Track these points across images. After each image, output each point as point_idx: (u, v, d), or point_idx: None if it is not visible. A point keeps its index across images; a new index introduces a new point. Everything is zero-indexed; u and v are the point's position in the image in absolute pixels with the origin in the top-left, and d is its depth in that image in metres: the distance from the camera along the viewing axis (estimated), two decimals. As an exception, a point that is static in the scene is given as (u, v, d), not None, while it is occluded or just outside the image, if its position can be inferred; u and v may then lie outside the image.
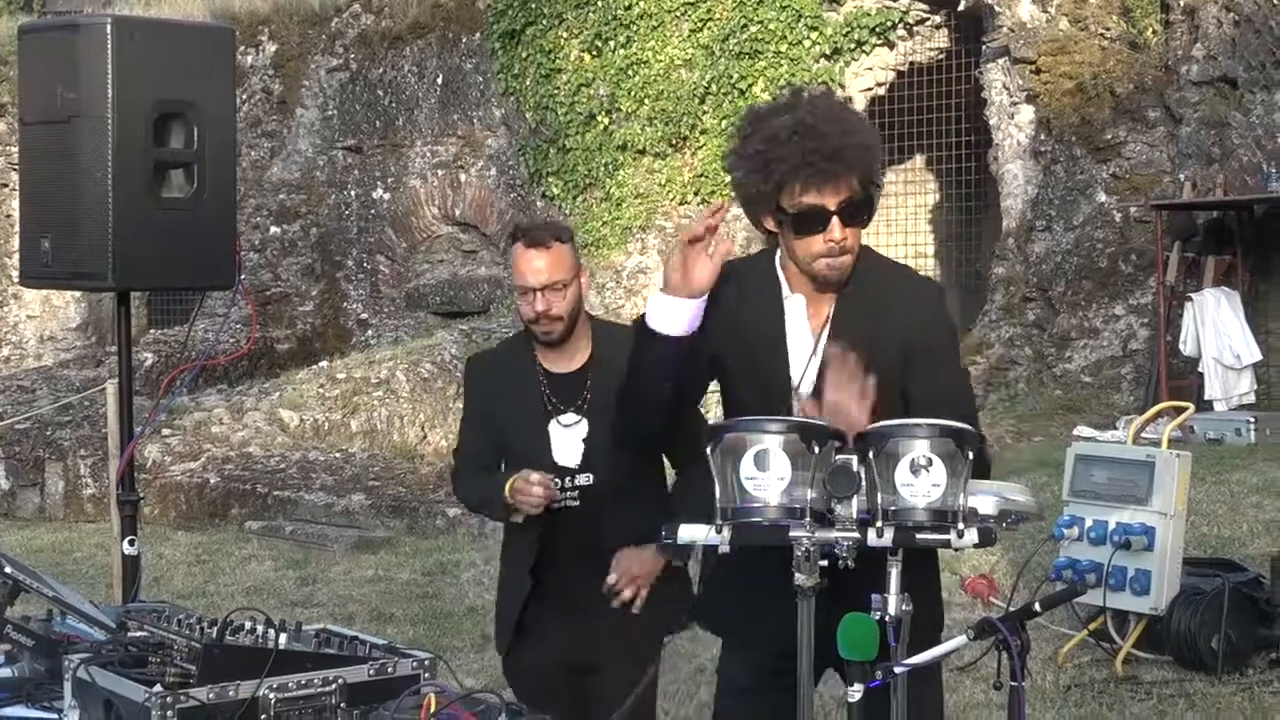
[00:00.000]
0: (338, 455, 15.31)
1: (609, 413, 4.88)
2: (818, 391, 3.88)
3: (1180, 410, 9.48)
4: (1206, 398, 14.91)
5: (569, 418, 5.29)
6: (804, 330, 3.99)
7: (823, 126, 3.82)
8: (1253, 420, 14.29)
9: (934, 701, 4.13)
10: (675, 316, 3.85)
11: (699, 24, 19.34)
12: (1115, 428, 14.12)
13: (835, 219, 3.86)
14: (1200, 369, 15.23)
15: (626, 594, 5.15)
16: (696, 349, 3.93)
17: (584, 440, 5.28)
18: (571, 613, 5.24)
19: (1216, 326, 15.15)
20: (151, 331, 20.89)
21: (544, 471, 5.15)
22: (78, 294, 23.42)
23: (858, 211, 3.87)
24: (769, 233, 4.00)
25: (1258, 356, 15.23)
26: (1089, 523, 8.48)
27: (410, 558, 12.08)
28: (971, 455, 3.46)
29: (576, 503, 5.25)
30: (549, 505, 5.11)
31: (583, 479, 5.26)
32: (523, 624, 5.32)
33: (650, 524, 4.90)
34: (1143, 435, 9.30)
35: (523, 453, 5.28)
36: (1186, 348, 15.33)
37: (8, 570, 4.40)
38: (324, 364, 18.12)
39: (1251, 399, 15.29)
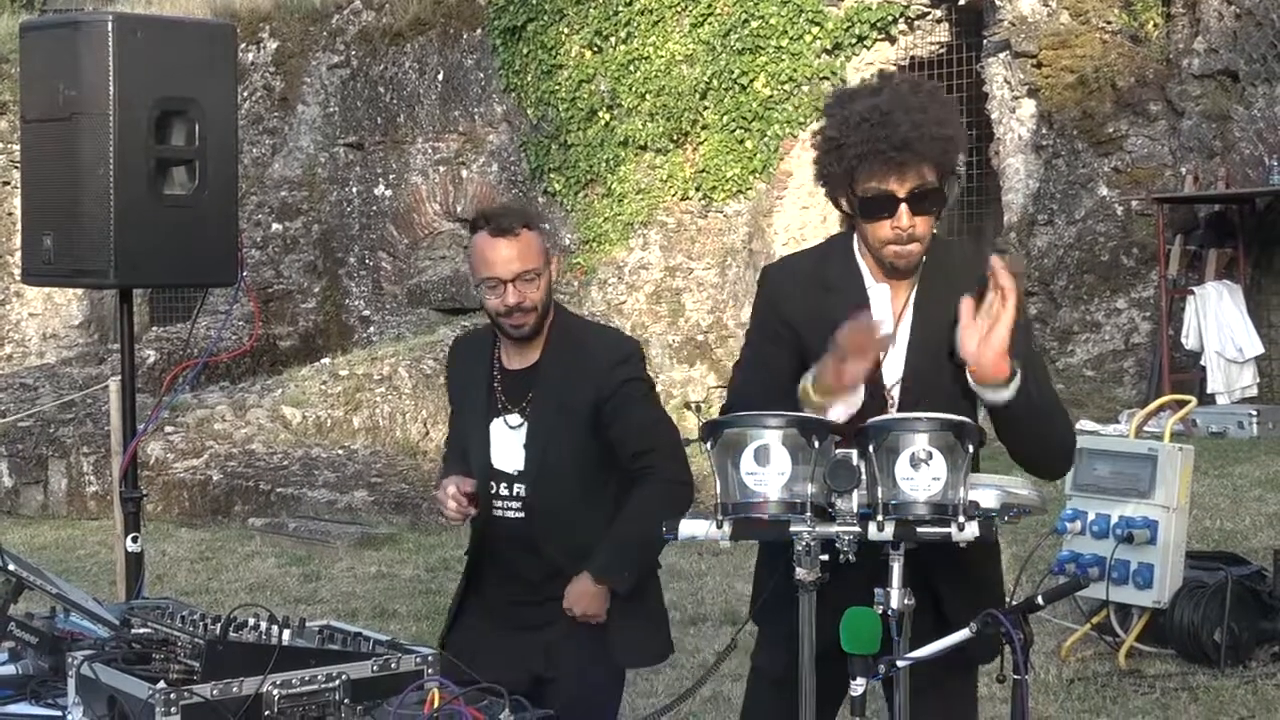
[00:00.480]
0: (340, 452, 15.32)
1: (555, 417, 4.84)
2: (905, 380, 3.91)
3: (1182, 404, 9.49)
4: (1209, 391, 14.93)
5: (514, 419, 4.94)
6: (889, 319, 3.97)
7: (898, 114, 3.80)
8: (1255, 413, 14.31)
9: (970, 697, 4.14)
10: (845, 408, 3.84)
11: (700, 19, 19.34)
12: (1118, 421, 14.13)
13: (904, 206, 3.84)
14: (1202, 362, 15.24)
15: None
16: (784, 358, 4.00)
17: (524, 446, 4.91)
18: (504, 628, 4.94)
19: (1218, 320, 15.16)
20: (154, 329, 20.90)
21: (479, 475, 4.86)
22: (80, 291, 23.42)
23: (927, 200, 3.84)
24: (848, 215, 3.99)
25: (1260, 349, 15.23)
26: (1092, 516, 8.49)
27: (413, 554, 12.09)
28: (972, 448, 3.46)
29: (520, 514, 4.92)
30: (482, 512, 4.86)
31: (520, 488, 4.91)
32: (458, 625, 5.07)
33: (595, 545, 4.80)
34: (1145, 429, 9.30)
35: (469, 451, 5.03)
36: (1189, 341, 15.33)
37: (11, 568, 4.41)
38: (326, 361, 18.12)
39: (1254, 392, 15.30)
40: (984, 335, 3.68)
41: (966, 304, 3.72)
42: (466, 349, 5.22)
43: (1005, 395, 3.76)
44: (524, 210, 5.18)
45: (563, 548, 4.84)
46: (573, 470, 4.85)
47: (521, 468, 4.89)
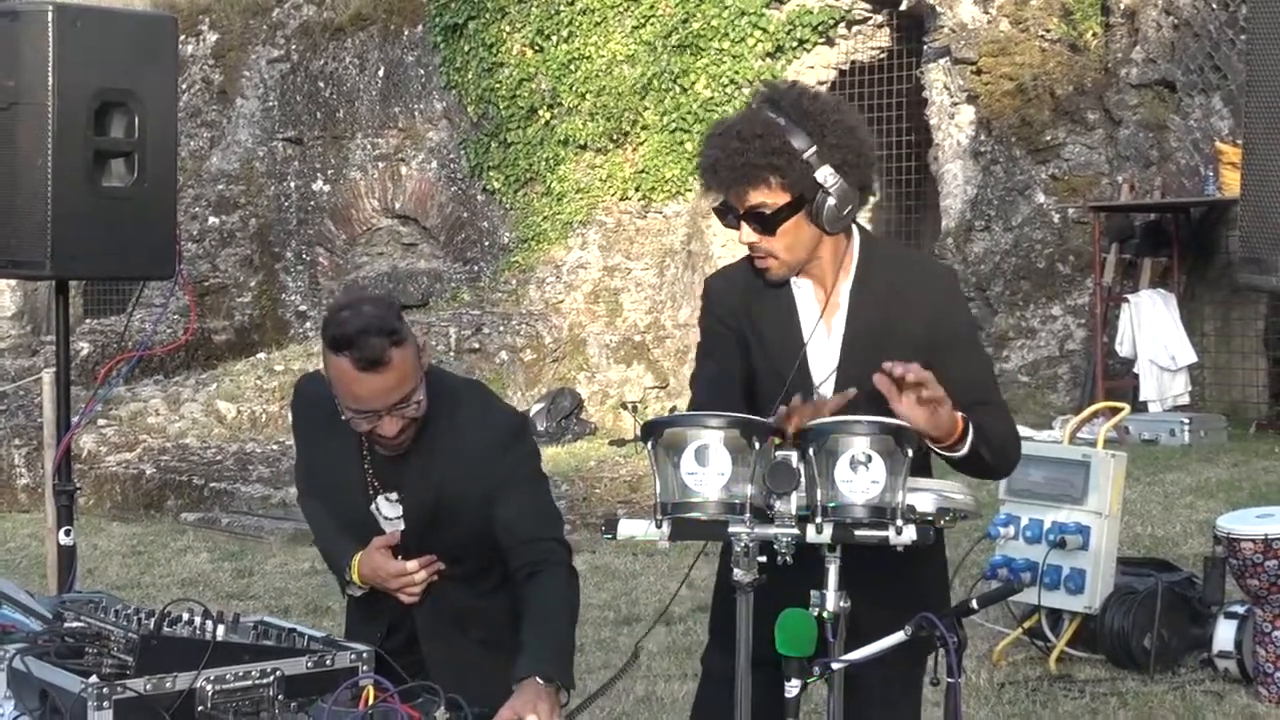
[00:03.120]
0: (275, 447, 15.26)
1: (434, 508, 4.39)
2: (839, 379, 3.95)
3: (1116, 411, 9.55)
4: (1141, 399, 15.03)
5: (389, 507, 4.48)
6: (813, 313, 4.03)
7: (726, 138, 3.88)
8: (1187, 421, 14.43)
9: (913, 703, 4.16)
10: None
11: (641, 20, 19.36)
12: (1051, 427, 14.21)
13: (743, 223, 3.93)
14: (1135, 370, 15.34)
15: None
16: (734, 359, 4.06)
17: (403, 536, 4.43)
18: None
19: (1152, 328, 15.26)
20: (88, 321, 20.78)
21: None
22: (12, 283, 23.26)
23: (765, 221, 3.90)
24: None
25: (1193, 358, 15.35)
26: (1024, 521, 8.53)
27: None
28: (911, 452, 3.48)
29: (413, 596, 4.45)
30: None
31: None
32: None
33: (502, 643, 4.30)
34: (1078, 435, 9.35)
35: (350, 531, 4.51)
36: (1123, 349, 15.44)
37: (-57, 560, 4.38)
38: (262, 356, 18.06)
39: (1186, 400, 15.42)
40: (927, 416, 3.70)
41: (882, 383, 3.72)
42: (321, 404, 4.45)
43: (960, 453, 3.84)
44: (385, 321, 4.15)
45: (449, 630, 4.48)
46: (459, 557, 4.44)
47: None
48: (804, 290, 4.04)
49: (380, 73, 21.63)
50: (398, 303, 4.38)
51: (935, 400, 3.69)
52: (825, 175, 3.86)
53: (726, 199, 3.93)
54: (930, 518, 3.54)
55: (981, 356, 4.13)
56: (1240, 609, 8.09)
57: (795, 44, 18.91)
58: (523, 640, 4.09)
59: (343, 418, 4.29)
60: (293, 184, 22.41)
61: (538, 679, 3.93)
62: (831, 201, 3.87)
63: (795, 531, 3.48)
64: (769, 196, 3.88)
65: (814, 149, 3.86)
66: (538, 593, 4.21)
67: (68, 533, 6.35)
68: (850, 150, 3.90)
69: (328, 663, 3.89)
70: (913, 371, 3.66)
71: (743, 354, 4.03)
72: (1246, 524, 7.87)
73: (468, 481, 4.33)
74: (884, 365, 3.70)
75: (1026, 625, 8.55)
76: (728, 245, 19.16)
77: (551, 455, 14.21)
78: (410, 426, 4.28)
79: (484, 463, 4.33)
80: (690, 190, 19.04)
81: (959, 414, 3.78)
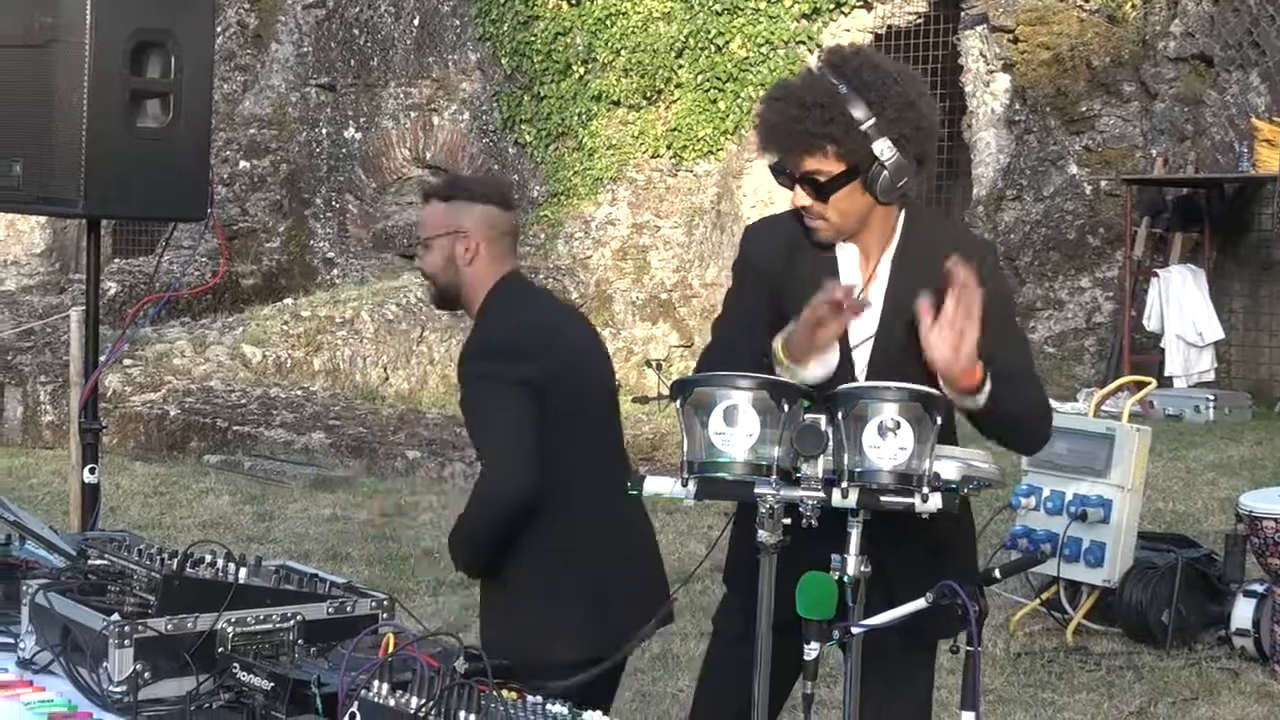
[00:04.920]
0: (299, 393, 15.28)
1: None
2: (875, 343, 3.93)
3: (1142, 385, 9.53)
4: (1167, 374, 15.01)
5: None
6: (856, 283, 3.98)
7: (791, 102, 3.87)
8: (1212, 398, 14.40)
9: (926, 671, 4.16)
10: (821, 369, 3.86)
11: (678, -23, 19.30)
12: (1076, 400, 14.18)
13: (797, 186, 3.91)
14: (1162, 345, 15.31)
15: None
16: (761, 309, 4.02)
17: None
18: None
19: (1181, 303, 15.22)
20: (116, 261, 20.79)
21: None
22: (42, 220, 23.30)
23: (819, 187, 3.88)
24: None
25: (1220, 335, 15.31)
26: (1046, 493, 8.53)
27: (368, 498, 12.08)
28: (940, 419, 3.47)
29: None
30: None
31: None
32: None
33: None
34: (1103, 408, 9.34)
35: None
36: (1150, 323, 15.40)
37: (-31, 493, 4.40)
38: (289, 301, 18.07)
39: (1211, 377, 15.39)
40: (952, 346, 3.68)
41: (924, 307, 3.72)
42: None
43: (976, 402, 3.79)
44: (459, 182, 4.93)
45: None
46: None
47: None
48: (848, 256, 4.00)
49: (415, 22, 21.59)
50: (503, 194, 4.82)
51: (970, 320, 3.68)
52: (882, 148, 3.83)
53: (781, 161, 3.93)
54: (955, 485, 3.54)
55: (1017, 334, 4.10)
56: (1260, 587, 8.09)
57: (832, 6, 18.83)
58: None
59: None
60: (324, 131, 22.40)
61: None
62: (886, 174, 3.85)
63: (821, 495, 3.48)
64: (824, 165, 3.86)
65: (873, 120, 3.83)
66: None
67: (92, 471, 6.35)
68: (909, 124, 3.87)
69: (348, 609, 3.89)
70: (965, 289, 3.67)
71: (773, 305, 4.00)
72: (1269, 503, 7.87)
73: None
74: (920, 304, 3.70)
75: (1045, 596, 8.56)
76: (757, 206, 19.12)
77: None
78: (429, 279, 4.76)
79: (462, 364, 4.65)
80: (722, 150, 19.01)
81: (980, 364, 3.75)
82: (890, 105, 3.86)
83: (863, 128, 3.83)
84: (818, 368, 3.80)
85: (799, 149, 3.87)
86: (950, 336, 3.68)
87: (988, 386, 3.78)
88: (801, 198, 3.92)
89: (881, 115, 3.84)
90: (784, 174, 3.94)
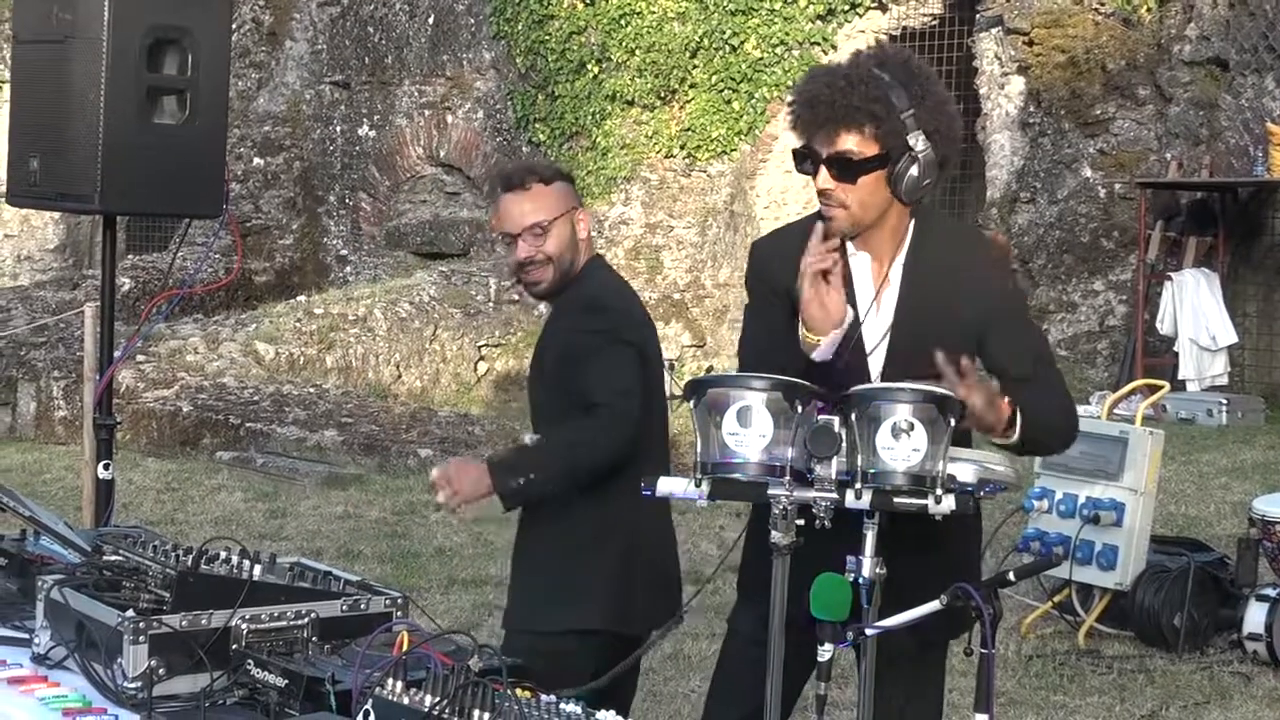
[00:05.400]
0: (311, 390, 15.29)
1: (540, 370, 4.81)
2: (890, 347, 3.95)
3: (1155, 388, 9.52)
4: (1180, 377, 14.98)
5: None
6: (869, 289, 4.01)
7: (835, 77, 3.89)
8: (1225, 402, 14.37)
9: (938, 672, 4.17)
10: (828, 348, 3.87)
11: (694, -23, 19.29)
12: (1089, 403, 14.17)
13: (823, 167, 3.90)
14: (1175, 348, 15.28)
15: (440, 497, 4.55)
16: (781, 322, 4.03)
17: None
18: None
19: (1194, 307, 15.20)
20: (130, 257, 20.81)
21: None
22: (56, 215, 23.33)
23: (848, 169, 3.87)
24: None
25: (1233, 339, 15.29)
26: (1059, 495, 8.53)
27: (380, 496, 12.09)
28: (953, 421, 3.47)
29: None
30: None
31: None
32: None
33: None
34: (1116, 411, 9.33)
35: None
36: (1163, 327, 15.38)
37: (-15, 489, 4.41)
38: (302, 298, 18.08)
39: (1224, 381, 15.36)
40: (981, 408, 3.69)
41: (942, 360, 3.72)
42: None
43: (1012, 439, 3.84)
44: (537, 164, 5.00)
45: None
46: (555, 422, 4.76)
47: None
48: (860, 264, 4.01)
49: (430, 20, 21.59)
50: (571, 177, 4.93)
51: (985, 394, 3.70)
52: (917, 140, 3.85)
53: (812, 141, 3.92)
54: (970, 488, 3.54)
55: (1033, 330, 4.12)
56: (1272, 591, 8.09)
57: (848, 7, 18.81)
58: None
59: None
60: (338, 128, 22.40)
61: (485, 462, 4.52)
62: (914, 171, 3.86)
63: (834, 496, 3.49)
64: (859, 145, 3.86)
65: (912, 111, 3.85)
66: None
67: (106, 466, 6.38)
68: (943, 123, 3.90)
69: (362, 607, 3.90)
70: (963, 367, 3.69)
71: (789, 316, 4.00)
72: (1282, 507, 7.87)
73: (551, 350, 4.77)
74: (938, 358, 3.71)
75: (1057, 599, 8.55)
76: (770, 207, 19.13)
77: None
78: (545, 265, 4.72)
79: (567, 325, 4.74)
80: (735, 150, 19.00)
81: (1005, 400, 3.77)
82: (929, 99, 3.88)
83: (902, 115, 3.84)
84: (829, 341, 3.85)
85: (839, 122, 3.86)
86: (981, 398, 3.70)
87: (1019, 421, 3.80)
88: (825, 180, 3.91)
89: (920, 107, 3.86)
90: (808, 158, 3.93)
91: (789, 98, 4.02)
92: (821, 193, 3.94)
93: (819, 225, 3.94)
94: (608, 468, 4.50)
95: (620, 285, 4.95)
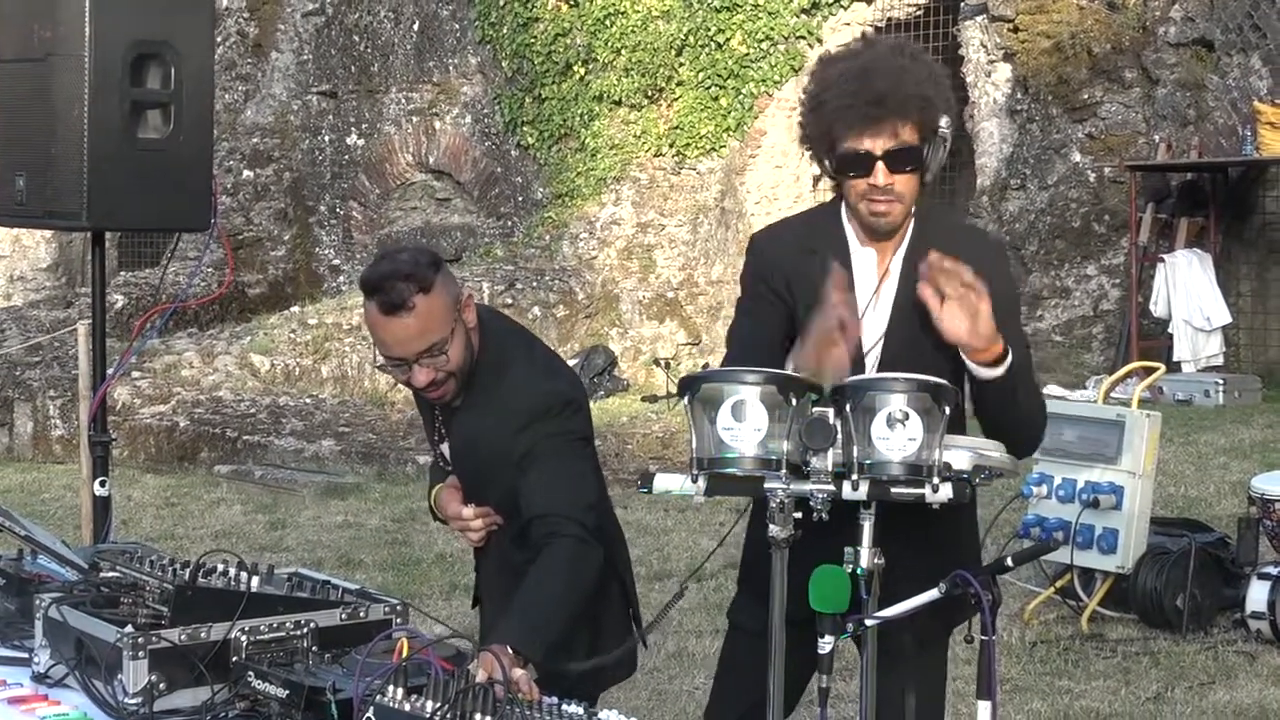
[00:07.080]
0: (308, 401, 15.29)
1: (472, 463, 4.36)
2: (887, 342, 3.92)
3: (1150, 371, 9.51)
4: (1175, 359, 14.99)
5: (449, 453, 4.49)
6: (870, 281, 3.98)
7: (876, 72, 3.82)
8: (1221, 382, 14.38)
9: (939, 671, 4.16)
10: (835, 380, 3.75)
11: (677, -25, 19.30)
12: (1085, 387, 14.18)
13: (880, 163, 3.83)
14: (1170, 330, 15.29)
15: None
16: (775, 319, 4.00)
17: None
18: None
19: (1188, 288, 15.21)
20: (122, 273, 20.80)
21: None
22: (48, 234, 23.32)
23: (905, 160, 3.84)
24: (829, 175, 3.98)
25: (1227, 319, 15.29)
26: (1058, 481, 8.52)
27: (380, 504, 12.08)
28: (948, 410, 3.46)
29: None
30: None
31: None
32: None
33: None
34: (1112, 395, 9.33)
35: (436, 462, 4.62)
36: (1157, 309, 15.39)
37: (-19, 509, 4.40)
38: (295, 309, 18.07)
39: (1220, 361, 15.37)
40: (969, 315, 3.67)
41: (928, 293, 3.70)
42: None
43: (999, 371, 3.77)
44: (412, 271, 4.08)
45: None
46: (509, 514, 4.31)
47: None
48: (864, 259, 3.98)
49: (415, 26, 21.59)
50: (439, 256, 4.25)
51: (974, 292, 3.67)
52: (944, 123, 3.84)
53: (863, 138, 3.82)
54: (966, 475, 3.53)
55: (1023, 335, 4.07)
56: (1273, 570, 8.08)
57: (831, 1, 18.82)
58: (509, 610, 3.97)
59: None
60: (327, 138, 22.40)
61: (507, 647, 3.65)
62: (941, 153, 3.85)
63: (831, 488, 3.47)
64: (909, 134, 3.84)
65: (935, 93, 3.85)
66: (536, 566, 4.01)
67: (103, 483, 6.37)
68: (951, 110, 3.89)
69: (361, 615, 3.90)
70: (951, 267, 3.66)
71: (783, 315, 3.98)
72: (1281, 485, 7.87)
73: (502, 444, 4.18)
74: (922, 268, 3.69)
75: (1059, 584, 8.55)
76: (761, 202, 19.13)
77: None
78: (448, 381, 4.18)
79: (517, 430, 4.16)
80: (724, 147, 19.00)
81: (1000, 337, 3.74)
82: (942, 84, 3.87)
83: (934, 99, 3.84)
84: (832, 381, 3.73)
85: (898, 114, 3.81)
86: (963, 310, 3.67)
87: (1009, 358, 3.76)
88: (882, 176, 3.84)
89: (938, 87, 3.85)
90: (859, 160, 3.84)
91: (826, 101, 3.86)
92: (874, 189, 3.85)
93: (837, 273, 3.82)
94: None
95: (547, 360, 4.42)
